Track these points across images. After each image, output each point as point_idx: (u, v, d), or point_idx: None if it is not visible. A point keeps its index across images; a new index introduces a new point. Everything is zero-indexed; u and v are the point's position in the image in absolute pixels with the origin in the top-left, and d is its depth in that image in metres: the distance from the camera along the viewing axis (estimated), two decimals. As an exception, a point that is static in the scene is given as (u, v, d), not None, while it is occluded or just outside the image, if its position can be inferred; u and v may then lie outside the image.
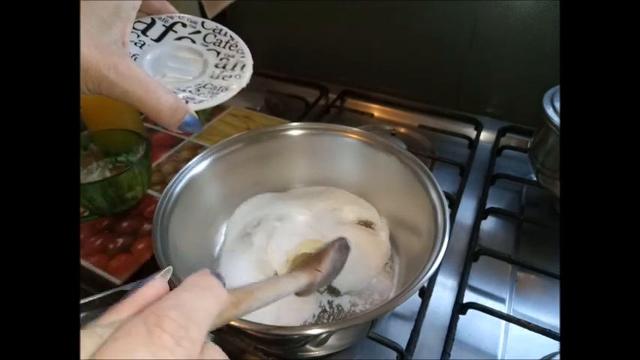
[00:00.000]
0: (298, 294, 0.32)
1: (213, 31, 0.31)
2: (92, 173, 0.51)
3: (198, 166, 0.42)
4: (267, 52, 0.84)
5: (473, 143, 0.61)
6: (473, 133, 0.63)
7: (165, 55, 0.29)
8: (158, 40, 0.29)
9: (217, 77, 0.28)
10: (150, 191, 0.52)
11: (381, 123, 0.69)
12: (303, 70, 0.77)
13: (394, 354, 0.35)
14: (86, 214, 0.47)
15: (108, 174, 0.51)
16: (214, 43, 0.30)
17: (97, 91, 0.23)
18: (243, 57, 0.30)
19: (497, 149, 0.60)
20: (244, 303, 0.22)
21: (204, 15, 0.73)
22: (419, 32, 0.66)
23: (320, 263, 0.33)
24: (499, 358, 0.37)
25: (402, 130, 0.67)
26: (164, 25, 0.30)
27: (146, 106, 0.23)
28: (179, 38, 0.30)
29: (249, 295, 0.23)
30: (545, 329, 0.35)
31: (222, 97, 0.27)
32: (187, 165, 0.41)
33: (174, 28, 0.30)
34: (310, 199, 0.48)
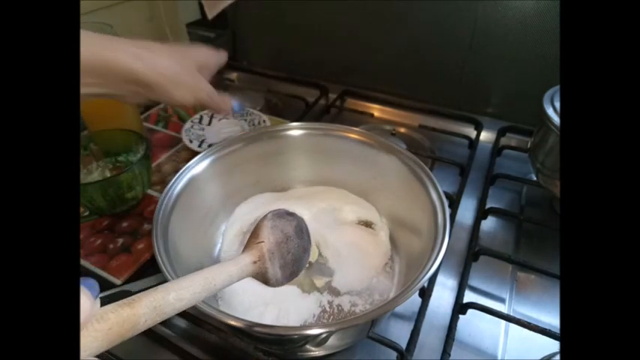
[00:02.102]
0: (260, 278, 0.31)
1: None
2: (92, 173, 0.51)
3: (198, 166, 0.42)
4: (267, 52, 0.84)
5: (473, 143, 0.61)
6: (473, 133, 0.63)
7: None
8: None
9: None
10: (150, 191, 0.52)
11: (381, 123, 0.69)
12: (303, 70, 0.77)
13: (394, 354, 0.35)
14: (86, 214, 0.47)
15: (108, 174, 0.51)
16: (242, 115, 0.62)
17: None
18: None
19: (497, 149, 0.60)
20: (146, 306, 0.21)
21: (204, 15, 0.73)
22: (419, 32, 0.66)
23: (257, 236, 0.32)
24: (499, 358, 0.37)
25: (402, 130, 0.67)
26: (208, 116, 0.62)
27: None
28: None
29: (153, 298, 0.21)
30: (545, 329, 0.35)
31: None
32: (187, 165, 0.41)
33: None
34: (310, 199, 0.47)
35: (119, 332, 0.19)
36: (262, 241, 0.31)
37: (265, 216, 0.34)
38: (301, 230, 0.36)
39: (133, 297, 0.21)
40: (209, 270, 0.26)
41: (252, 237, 0.32)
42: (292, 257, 0.34)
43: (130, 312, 0.20)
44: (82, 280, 0.18)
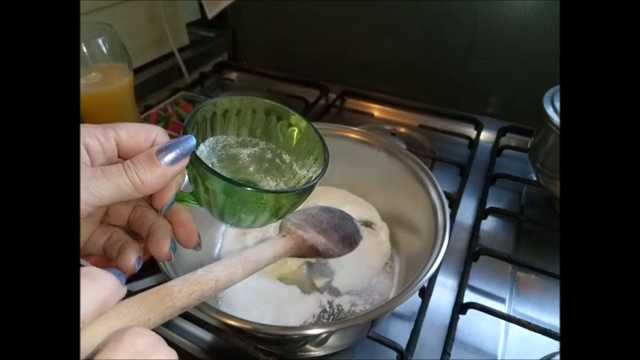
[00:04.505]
0: (306, 250, 0.31)
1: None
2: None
3: (198, 166, 0.41)
4: (268, 52, 0.84)
5: (473, 143, 0.61)
6: (473, 133, 0.63)
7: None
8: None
9: None
10: (150, 191, 0.52)
11: (381, 123, 0.69)
12: (303, 70, 0.77)
13: (394, 354, 0.35)
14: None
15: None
16: None
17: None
18: None
19: (497, 149, 0.60)
20: (186, 292, 0.21)
21: (204, 15, 0.73)
22: (419, 32, 0.66)
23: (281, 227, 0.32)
24: (499, 358, 0.37)
25: (402, 130, 0.67)
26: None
27: None
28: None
29: (195, 283, 0.22)
30: (545, 329, 0.35)
31: None
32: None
33: None
34: (310, 199, 0.47)
35: (155, 299, 0.20)
36: (284, 223, 0.32)
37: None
38: (328, 209, 0.36)
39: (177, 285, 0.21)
40: (239, 254, 0.27)
41: (279, 231, 0.33)
42: (330, 224, 0.34)
43: (159, 287, 0.21)
44: (109, 269, 0.19)
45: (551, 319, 0.40)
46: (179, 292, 0.21)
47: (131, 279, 0.42)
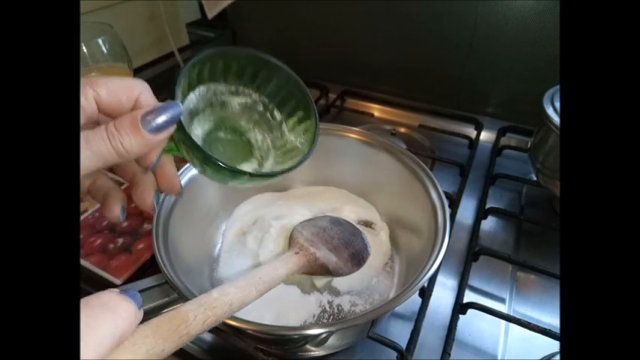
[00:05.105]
0: (317, 268, 0.31)
1: None
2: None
3: (198, 166, 0.41)
4: (267, 51, 0.84)
5: (473, 143, 0.61)
6: (473, 133, 0.63)
7: None
8: None
9: None
10: (150, 191, 0.52)
11: (381, 123, 0.69)
12: (303, 70, 0.77)
13: (394, 354, 0.35)
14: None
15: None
16: None
17: None
18: None
19: (497, 149, 0.60)
20: (202, 318, 0.21)
21: (204, 15, 0.73)
22: (419, 32, 0.66)
23: (292, 240, 0.32)
24: (499, 358, 0.37)
25: (402, 130, 0.67)
26: None
27: None
28: None
29: (197, 298, 0.22)
30: (545, 329, 0.35)
31: None
32: (187, 165, 0.41)
33: None
34: (310, 199, 0.47)
35: (170, 327, 0.19)
36: (297, 237, 0.32)
37: (294, 227, 0.35)
38: (338, 221, 0.36)
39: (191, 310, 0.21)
40: (253, 270, 0.27)
41: (290, 244, 0.33)
42: (341, 241, 0.34)
43: (174, 311, 0.20)
44: (126, 292, 0.18)
45: (551, 319, 0.40)
46: (194, 319, 0.20)
47: (131, 279, 0.42)
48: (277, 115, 0.32)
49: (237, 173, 0.26)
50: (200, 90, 0.29)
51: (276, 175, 0.28)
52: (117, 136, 0.21)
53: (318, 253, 0.32)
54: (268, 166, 0.31)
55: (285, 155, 0.32)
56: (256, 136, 0.32)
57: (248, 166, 0.30)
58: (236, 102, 0.31)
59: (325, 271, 0.32)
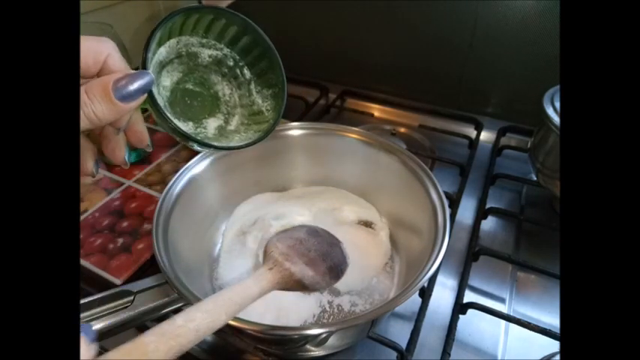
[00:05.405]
0: (292, 284, 0.30)
1: None
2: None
3: (198, 166, 0.41)
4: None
5: (473, 143, 0.61)
6: (473, 133, 0.63)
7: None
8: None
9: None
10: (150, 191, 0.52)
11: (381, 123, 0.69)
12: (303, 70, 0.77)
13: (394, 354, 0.35)
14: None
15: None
16: None
17: None
18: None
19: (497, 149, 0.60)
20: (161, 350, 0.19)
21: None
22: (419, 32, 0.66)
23: (266, 252, 0.31)
24: (499, 358, 0.37)
25: (402, 130, 0.67)
26: None
27: None
28: None
29: (159, 326, 0.20)
30: (545, 329, 0.35)
31: None
32: (187, 165, 0.41)
33: None
34: (310, 199, 0.47)
35: None
36: (272, 251, 0.31)
37: (270, 238, 0.34)
38: (316, 231, 0.35)
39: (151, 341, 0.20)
40: (223, 291, 0.26)
41: (264, 259, 0.32)
42: (318, 253, 0.33)
43: (133, 343, 0.19)
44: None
45: (551, 319, 0.40)
46: (155, 351, 0.19)
47: (131, 279, 0.42)
48: (247, 72, 0.33)
49: (202, 145, 0.28)
50: (170, 42, 0.29)
51: (239, 147, 0.30)
52: (89, 104, 0.21)
53: (293, 268, 0.30)
54: (234, 124, 0.32)
55: (251, 118, 0.33)
56: (224, 89, 0.33)
57: (214, 122, 0.31)
58: (207, 53, 0.31)
59: (301, 286, 0.31)
